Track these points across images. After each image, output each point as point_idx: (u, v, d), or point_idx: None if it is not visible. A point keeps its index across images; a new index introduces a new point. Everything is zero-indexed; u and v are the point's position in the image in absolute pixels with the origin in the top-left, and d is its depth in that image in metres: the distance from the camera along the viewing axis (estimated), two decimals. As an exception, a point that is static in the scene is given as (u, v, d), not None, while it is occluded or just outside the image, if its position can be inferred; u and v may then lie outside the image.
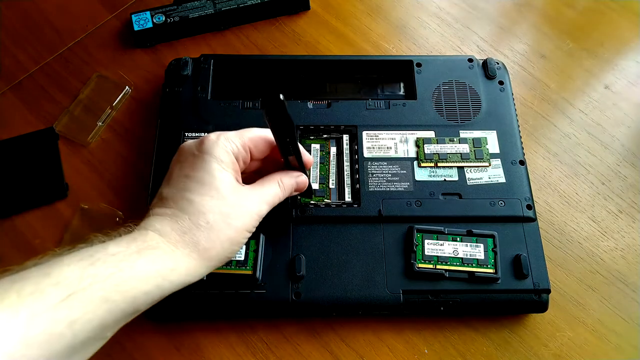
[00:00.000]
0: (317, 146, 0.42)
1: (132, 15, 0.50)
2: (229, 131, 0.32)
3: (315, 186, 0.40)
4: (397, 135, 0.42)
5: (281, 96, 0.27)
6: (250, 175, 0.35)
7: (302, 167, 0.35)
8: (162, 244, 0.28)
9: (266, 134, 0.33)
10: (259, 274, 0.36)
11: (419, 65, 0.46)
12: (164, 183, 0.32)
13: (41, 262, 0.24)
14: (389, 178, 0.40)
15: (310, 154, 0.42)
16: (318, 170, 0.41)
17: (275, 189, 0.33)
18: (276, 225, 0.38)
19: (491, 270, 0.37)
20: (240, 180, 0.32)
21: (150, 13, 0.50)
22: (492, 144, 0.42)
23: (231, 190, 0.30)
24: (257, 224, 0.32)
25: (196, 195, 0.29)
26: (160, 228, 0.28)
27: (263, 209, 0.32)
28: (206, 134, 0.32)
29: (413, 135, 0.42)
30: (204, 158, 0.30)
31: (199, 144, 0.31)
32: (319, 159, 0.42)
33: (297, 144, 0.33)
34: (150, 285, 0.26)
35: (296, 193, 0.36)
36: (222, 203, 0.29)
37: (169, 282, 0.27)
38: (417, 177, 0.41)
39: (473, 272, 0.36)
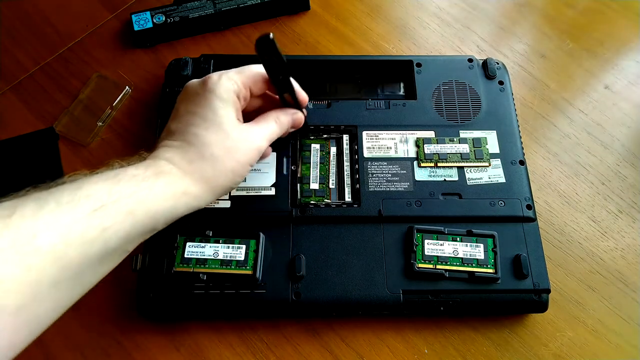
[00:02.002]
0: (317, 146, 0.42)
1: (132, 15, 0.50)
2: (230, 69, 0.34)
3: (315, 186, 0.40)
4: (397, 135, 0.42)
5: (271, 35, 0.29)
6: (252, 114, 0.37)
7: (297, 105, 0.37)
8: (174, 170, 0.31)
9: (264, 71, 0.35)
10: (259, 274, 0.36)
11: (419, 65, 0.46)
12: (171, 118, 0.34)
13: (70, 180, 0.27)
14: (389, 178, 0.40)
15: (310, 154, 0.42)
16: (318, 170, 0.41)
17: (273, 125, 0.36)
18: (276, 225, 0.38)
19: (491, 270, 0.37)
20: (241, 118, 0.35)
21: (150, 13, 0.50)
22: (492, 144, 0.42)
23: (232, 127, 0.33)
24: (257, 158, 0.34)
25: (201, 130, 0.32)
26: (170, 157, 0.31)
27: (263, 144, 0.34)
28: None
29: (413, 135, 0.42)
30: (206, 96, 0.33)
31: (202, 83, 0.33)
32: (319, 159, 0.42)
33: (290, 82, 0.35)
34: (167, 205, 0.29)
35: (293, 130, 0.38)
36: (225, 137, 0.32)
37: (182, 204, 0.30)
38: (417, 177, 0.41)
39: (473, 272, 0.36)
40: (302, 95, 0.38)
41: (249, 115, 0.36)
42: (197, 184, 0.31)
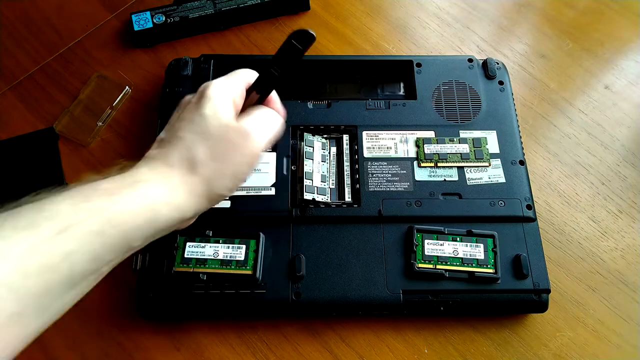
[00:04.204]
0: (319, 144, 0.42)
1: (132, 15, 0.50)
2: (224, 78, 0.32)
3: (316, 184, 0.40)
4: (397, 135, 0.42)
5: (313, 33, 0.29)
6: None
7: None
8: (153, 177, 0.28)
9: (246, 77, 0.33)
10: (259, 274, 0.36)
11: (419, 65, 0.46)
12: (163, 130, 0.32)
13: (35, 199, 0.25)
14: (389, 178, 0.40)
15: (312, 152, 0.42)
16: (320, 168, 0.41)
17: (272, 121, 0.32)
18: (276, 225, 0.38)
19: (491, 270, 0.37)
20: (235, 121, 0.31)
21: (150, 13, 0.50)
22: (492, 144, 0.42)
23: (220, 127, 0.30)
24: (254, 162, 0.31)
25: (187, 132, 0.30)
26: (151, 164, 0.29)
27: (261, 145, 0.31)
28: None
29: (413, 135, 0.42)
30: (198, 102, 0.30)
31: (197, 93, 0.31)
32: (319, 159, 0.42)
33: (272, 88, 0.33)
34: (142, 219, 0.26)
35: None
36: (212, 143, 0.29)
37: (162, 217, 0.27)
38: (417, 177, 0.41)
39: (473, 272, 0.36)
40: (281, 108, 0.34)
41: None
42: (178, 191, 0.28)
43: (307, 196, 0.39)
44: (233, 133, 0.30)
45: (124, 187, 0.27)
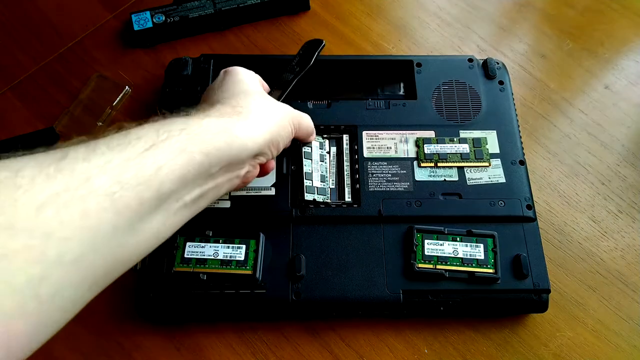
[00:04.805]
0: (317, 144, 0.42)
1: (132, 15, 0.50)
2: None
3: (316, 184, 0.40)
4: (397, 135, 0.42)
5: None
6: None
7: None
8: (220, 110, 0.31)
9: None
10: (259, 274, 0.36)
11: (419, 65, 0.46)
12: (217, 90, 0.34)
13: (115, 130, 0.27)
14: (389, 178, 0.40)
15: (311, 152, 0.42)
16: (319, 167, 0.41)
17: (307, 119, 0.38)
18: (276, 225, 0.38)
19: (491, 271, 0.37)
20: None
21: (150, 13, 0.50)
22: (492, 144, 0.42)
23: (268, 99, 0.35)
24: (288, 124, 0.34)
25: (246, 100, 0.33)
26: (215, 107, 0.31)
27: (294, 114, 0.36)
28: None
29: (413, 135, 0.42)
30: (230, 72, 0.36)
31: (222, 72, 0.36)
32: (319, 158, 0.42)
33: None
34: (221, 140, 0.28)
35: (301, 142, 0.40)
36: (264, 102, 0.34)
37: (237, 141, 0.29)
38: (417, 177, 0.40)
39: (473, 272, 0.36)
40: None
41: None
42: (243, 120, 0.31)
43: (308, 196, 0.39)
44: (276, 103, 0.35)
45: (197, 116, 0.29)
